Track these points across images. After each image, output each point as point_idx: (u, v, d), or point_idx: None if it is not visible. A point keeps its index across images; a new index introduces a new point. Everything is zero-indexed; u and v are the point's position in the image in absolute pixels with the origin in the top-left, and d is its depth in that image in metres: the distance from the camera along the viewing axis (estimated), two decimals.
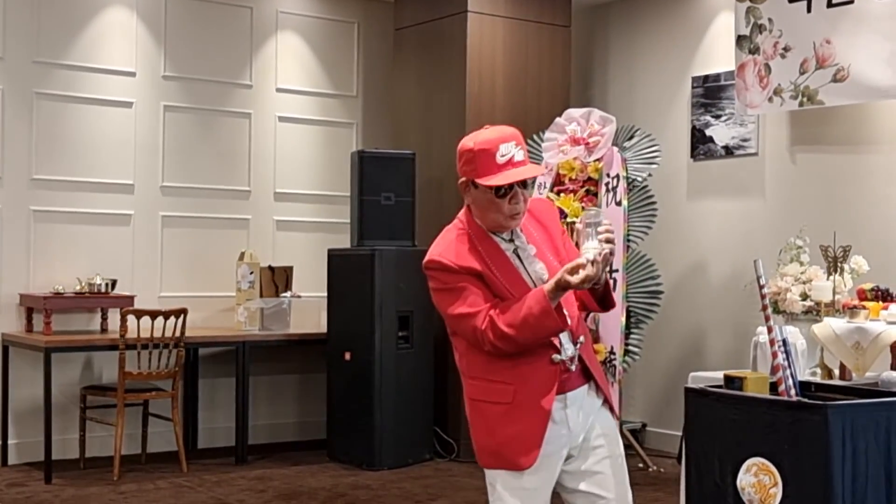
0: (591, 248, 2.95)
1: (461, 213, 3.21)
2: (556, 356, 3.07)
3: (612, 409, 3.22)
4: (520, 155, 3.10)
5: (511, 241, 3.14)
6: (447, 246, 3.16)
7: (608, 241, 2.97)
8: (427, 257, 3.18)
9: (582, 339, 3.13)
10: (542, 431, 3.04)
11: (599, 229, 2.99)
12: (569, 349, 3.09)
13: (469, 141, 3.11)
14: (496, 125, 3.21)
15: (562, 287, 2.97)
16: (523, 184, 3.08)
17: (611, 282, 3.04)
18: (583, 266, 2.94)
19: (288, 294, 7.36)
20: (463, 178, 3.10)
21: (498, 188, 3.05)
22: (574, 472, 3.14)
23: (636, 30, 7.88)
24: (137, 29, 7.26)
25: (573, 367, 3.10)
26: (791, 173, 6.83)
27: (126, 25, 7.23)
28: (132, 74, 7.25)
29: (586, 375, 3.15)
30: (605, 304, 3.19)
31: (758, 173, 6.99)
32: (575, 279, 2.94)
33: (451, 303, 3.10)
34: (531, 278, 3.11)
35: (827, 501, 3.09)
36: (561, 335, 3.05)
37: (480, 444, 3.13)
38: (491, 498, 3.15)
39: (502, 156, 3.08)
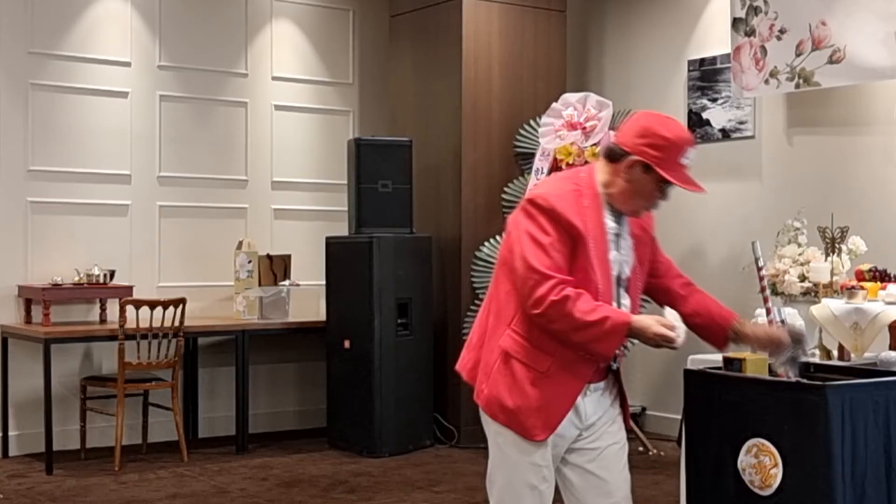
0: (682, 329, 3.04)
1: (582, 173, 3.16)
2: None
3: (623, 404, 3.26)
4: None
5: (618, 223, 3.12)
6: (562, 195, 3.07)
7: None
8: (538, 194, 3.06)
9: (628, 343, 3.14)
10: (565, 413, 3.07)
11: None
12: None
13: (661, 127, 3.05)
14: (649, 119, 3.13)
15: (644, 330, 2.99)
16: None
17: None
18: (671, 337, 2.98)
19: (286, 282, 7.36)
20: (637, 157, 3.04)
21: (665, 184, 3.05)
22: (582, 450, 3.16)
23: (632, 13, 7.87)
24: (132, 19, 7.24)
25: (614, 365, 3.17)
26: (788, 155, 6.83)
27: (120, 15, 7.21)
28: (127, 64, 7.24)
29: (610, 371, 3.21)
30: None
31: (755, 156, 6.99)
32: (659, 332, 2.99)
33: (533, 250, 3.00)
34: (615, 267, 3.10)
35: (827, 481, 3.10)
36: None
37: (498, 397, 3.09)
38: (494, 450, 3.16)
39: (686, 158, 3.08)
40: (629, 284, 3.16)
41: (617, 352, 3.11)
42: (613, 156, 3.09)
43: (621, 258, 3.13)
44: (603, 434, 3.18)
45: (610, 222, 3.10)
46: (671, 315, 3.13)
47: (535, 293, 2.97)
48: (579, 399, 3.11)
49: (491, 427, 3.15)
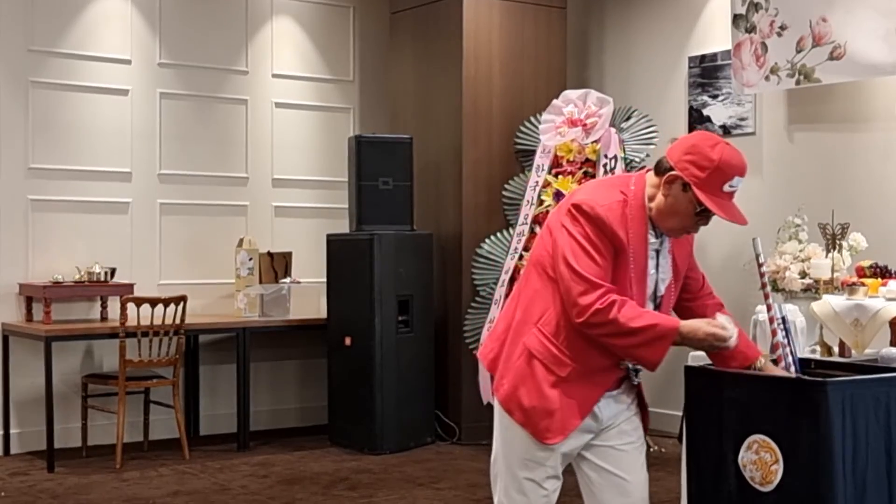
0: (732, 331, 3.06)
1: (632, 182, 3.07)
2: (624, 361, 3.10)
3: (643, 408, 3.27)
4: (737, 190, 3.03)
5: (659, 239, 3.09)
6: (610, 206, 3.00)
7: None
8: (586, 201, 3.01)
9: None
10: (579, 421, 3.07)
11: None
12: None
13: (711, 148, 2.98)
14: (703, 138, 3.04)
15: (694, 332, 2.99)
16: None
17: None
18: (725, 336, 2.99)
19: (287, 280, 7.36)
20: (679, 172, 2.97)
21: (704, 211, 2.99)
22: (598, 448, 3.17)
23: (632, 10, 7.87)
24: (132, 16, 7.24)
25: (635, 380, 3.18)
26: (789, 152, 6.83)
27: (121, 13, 7.20)
28: (127, 62, 7.24)
29: (626, 380, 3.21)
30: None
31: (755, 152, 6.98)
32: (710, 331, 2.99)
33: (579, 257, 2.97)
34: (651, 284, 3.08)
35: (828, 477, 3.10)
36: None
37: (516, 394, 3.07)
38: (503, 444, 3.14)
39: (731, 186, 3.00)
40: (661, 301, 3.15)
41: (636, 365, 3.12)
42: (659, 169, 3.04)
43: (658, 276, 3.11)
44: (620, 433, 3.18)
45: (651, 237, 3.07)
46: (722, 318, 3.08)
47: (581, 301, 2.95)
48: (596, 405, 3.12)
49: (504, 420, 3.14)
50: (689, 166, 2.97)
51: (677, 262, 3.16)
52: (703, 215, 3.03)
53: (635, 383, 3.19)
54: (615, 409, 3.17)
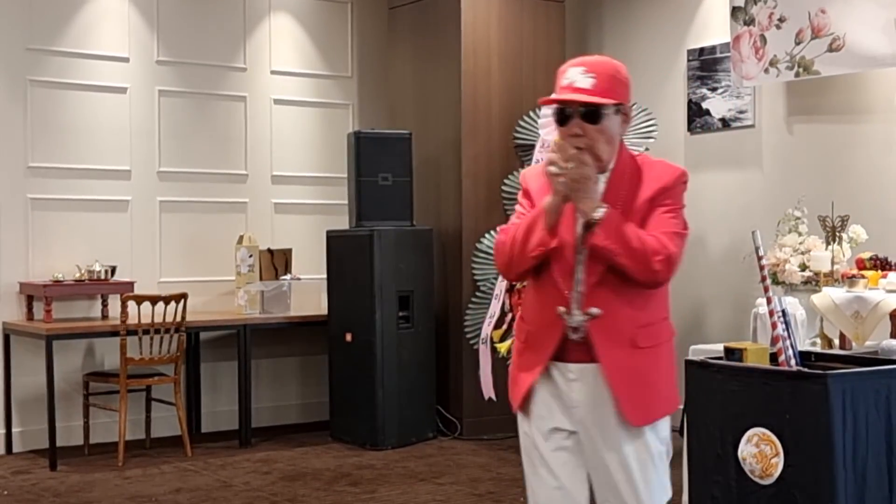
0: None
1: None
2: (560, 308, 2.85)
3: (627, 412, 2.86)
4: (585, 82, 2.81)
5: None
6: (536, 166, 3.13)
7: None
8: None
9: (594, 311, 2.83)
10: (528, 384, 2.96)
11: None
12: (575, 316, 2.84)
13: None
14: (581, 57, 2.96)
15: (554, 195, 2.81)
16: (586, 117, 2.83)
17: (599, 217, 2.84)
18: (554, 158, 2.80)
19: (288, 276, 7.36)
20: None
21: (557, 116, 2.86)
22: (589, 459, 2.95)
23: (630, 3, 7.85)
24: (130, 14, 7.24)
25: (573, 336, 2.85)
26: (788, 144, 6.82)
27: (118, 10, 7.20)
28: (126, 60, 7.23)
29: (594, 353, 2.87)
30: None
31: (755, 145, 6.98)
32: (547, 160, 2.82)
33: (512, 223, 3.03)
34: (581, 224, 2.86)
35: (828, 469, 3.10)
36: (571, 297, 2.84)
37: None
38: None
39: (566, 79, 2.85)
40: None
41: (577, 318, 2.84)
42: None
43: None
44: (605, 441, 2.91)
45: None
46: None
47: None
48: (562, 381, 2.91)
49: None
50: None
51: (619, 206, 2.92)
52: (562, 122, 2.88)
53: (573, 338, 2.85)
54: (590, 400, 2.89)
